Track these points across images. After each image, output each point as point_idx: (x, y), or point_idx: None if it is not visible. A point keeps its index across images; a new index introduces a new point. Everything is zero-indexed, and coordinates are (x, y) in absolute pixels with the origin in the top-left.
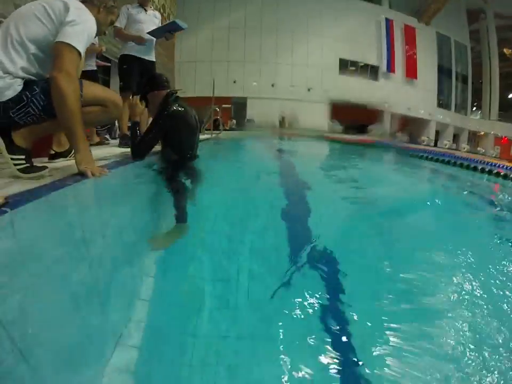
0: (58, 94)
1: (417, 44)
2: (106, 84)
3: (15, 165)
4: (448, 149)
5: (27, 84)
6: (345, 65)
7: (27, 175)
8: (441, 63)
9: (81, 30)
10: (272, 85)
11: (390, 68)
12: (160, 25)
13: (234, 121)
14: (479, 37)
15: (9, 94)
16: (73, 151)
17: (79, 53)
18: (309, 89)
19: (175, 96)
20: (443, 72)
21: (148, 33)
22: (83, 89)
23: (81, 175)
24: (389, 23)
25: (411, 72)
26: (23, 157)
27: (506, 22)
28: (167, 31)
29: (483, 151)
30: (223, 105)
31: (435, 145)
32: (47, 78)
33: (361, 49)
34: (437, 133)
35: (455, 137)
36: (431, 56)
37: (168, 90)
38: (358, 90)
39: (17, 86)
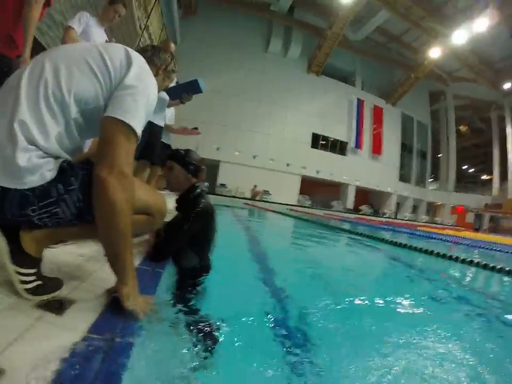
0: (106, 205)
1: (383, 122)
2: None
3: (22, 282)
4: (408, 220)
5: (62, 171)
6: (317, 140)
7: (38, 297)
8: (404, 141)
9: (144, 103)
10: (254, 157)
11: (358, 144)
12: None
13: (206, 183)
14: (439, 115)
15: (34, 181)
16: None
17: (137, 140)
18: (288, 164)
19: (201, 189)
20: (405, 148)
21: (164, 90)
22: None
23: (120, 304)
24: (359, 103)
25: (376, 148)
26: (33, 271)
27: (463, 101)
28: (185, 91)
29: (441, 220)
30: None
31: (395, 217)
32: (90, 165)
33: (333, 125)
34: (398, 204)
35: (415, 208)
36: (395, 134)
37: (196, 180)
38: (328, 164)
39: (48, 171)
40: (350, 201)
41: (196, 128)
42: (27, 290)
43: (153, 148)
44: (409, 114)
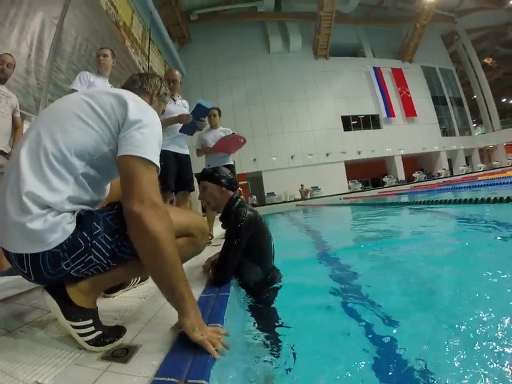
0: (147, 239)
1: (407, 82)
2: None
3: (82, 335)
4: (465, 175)
5: (81, 219)
6: (347, 122)
7: (101, 347)
8: (434, 94)
9: (152, 134)
10: (292, 157)
11: (390, 112)
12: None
13: (254, 197)
14: (459, 57)
15: (57, 238)
16: (137, 280)
17: (158, 170)
18: (327, 154)
19: (241, 200)
20: (438, 101)
21: (180, 131)
22: None
23: (189, 339)
24: (377, 71)
25: (409, 111)
26: (89, 322)
27: (477, 34)
28: (196, 119)
29: (498, 163)
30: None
31: (452, 174)
32: (110, 207)
33: (358, 102)
34: (449, 161)
35: (467, 159)
36: (423, 90)
37: (233, 193)
38: (366, 142)
39: (67, 224)
40: (400, 172)
41: (233, 133)
42: (88, 342)
43: (185, 176)
44: (430, 65)
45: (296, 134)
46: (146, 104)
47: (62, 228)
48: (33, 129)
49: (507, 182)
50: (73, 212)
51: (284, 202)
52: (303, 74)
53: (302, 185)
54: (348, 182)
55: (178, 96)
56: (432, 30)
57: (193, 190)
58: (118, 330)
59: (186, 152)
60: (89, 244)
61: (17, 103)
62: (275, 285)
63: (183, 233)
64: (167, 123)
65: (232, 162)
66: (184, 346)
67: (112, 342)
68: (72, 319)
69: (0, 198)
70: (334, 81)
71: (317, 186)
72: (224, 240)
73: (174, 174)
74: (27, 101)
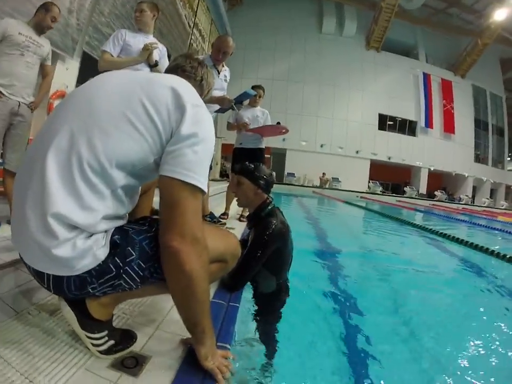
0: (182, 277)
1: (454, 97)
2: None
3: (95, 345)
4: (486, 207)
5: (116, 244)
6: (384, 121)
7: (112, 356)
8: (478, 116)
9: (206, 153)
10: (321, 146)
11: (428, 123)
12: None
13: (274, 173)
14: None
15: (86, 265)
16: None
17: (204, 194)
18: (357, 152)
19: (273, 206)
20: (479, 125)
21: (215, 111)
22: None
23: (201, 368)
24: (426, 77)
25: (448, 126)
26: (105, 333)
27: None
28: (236, 104)
29: None
30: None
31: (473, 202)
32: (148, 226)
33: (400, 104)
34: (474, 188)
35: (492, 193)
36: (468, 109)
37: (267, 196)
38: (397, 146)
39: (99, 250)
40: (423, 186)
41: (279, 123)
42: (101, 352)
43: None
44: (481, 86)
45: (331, 120)
46: (204, 109)
47: (93, 253)
48: (64, 122)
49: None
50: (106, 231)
51: (302, 186)
52: (351, 61)
53: (323, 173)
54: (369, 182)
55: (223, 66)
56: (492, 50)
57: (212, 168)
58: (129, 337)
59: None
60: (121, 270)
61: (48, 50)
62: (282, 298)
63: (217, 260)
64: (205, 100)
65: (263, 146)
66: (194, 367)
67: (123, 350)
68: (88, 331)
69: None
70: (380, 76)
71: (337, 178)
72: (248, 242)
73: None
74: (64, 41)
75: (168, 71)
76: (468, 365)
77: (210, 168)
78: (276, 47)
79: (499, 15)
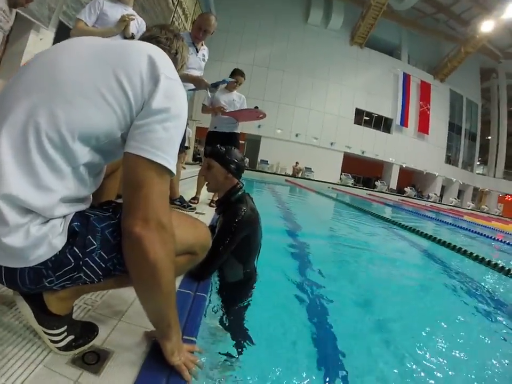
0: (145, 266)
1: (431, 99)
2: None
3: (53, 342)
4: (453, 207)
5: (75, 234)
6: (360, 115)
7: (73, 351)
8: (452, 120)
9: (178, 130)
10: (297, 135)
11: (404, 121)
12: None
13: (247, 159)
14: (489, 95)
15: (41, 255)
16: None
17: (172, 175)
18: (332, 143)
19: (243, 192)
20: (453, 129)
21: (189, 89)
22: None
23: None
24: (406, 78)
25: (423, 127)
26: (64, 329)
27: None
28: (212, 87)
29: (487, 208)
30: None
31: (440, 201)
32: (112, 211)
33: (377, 100)
34: (443, 188)
35: (460, 193)
36: (443, 112)
37: (238, 181)
38: (371, 141)
39: (56, 237)
40: (394, 181)
41: (257, 108)
42: (59, 348)
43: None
44: (459, 92)
45: (308, 111)
46: (179, 83)
47: (49, 242)
48: (24, 92)
49: (491, 237)
50: (65, 217)
51: (275, 173)
52: (333, 55)
53: (297, 162)
54: (341, 174)
55: (202, 45)
56: (474, 59)
57: (189, 148)
58: (90, 331)
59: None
60: (81, 262)
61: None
62: (250, 287)
63: (185, 251)
64: (181, 78)
65: (239, 131)
66: (159, 362)
67: (83, 345)
68: (45, 327)
69: None
70: (361, 71)
71: (310, 168)
72: (216, 229)
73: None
74: (41, 10)
75: (141, 41)
76: (429, 352)
77: (187, 147)
78: (259, 33)
79: (486, 27)
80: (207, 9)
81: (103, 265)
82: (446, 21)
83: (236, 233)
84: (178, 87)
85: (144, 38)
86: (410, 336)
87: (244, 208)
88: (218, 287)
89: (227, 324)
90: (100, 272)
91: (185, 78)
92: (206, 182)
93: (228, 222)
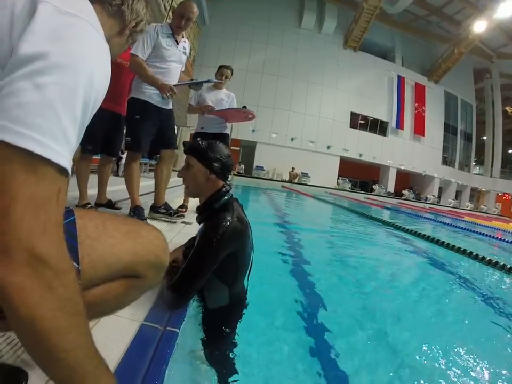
0: (18, 325)
1: (426, 101)
2: None
3: None
4: (452, 208)
5: None
6: (355, 119)
7: None
8: (448, 121)
9: (61, 90)
10: (292, 139)
11: (399, 124)
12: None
13: (242, 166)
14: (484, 95)
15: None
16: None
17: (67, 174)
18: (328, 147)
19: (230, 196)
20: (448, 130)
21: (174, 85)
22: (80, 255)
23: None
24: (400, 80)
25: (419, 129)
26: None
27: (510, 80)
28: (197, 84)
29: (486, 208)
30: (231, 148)
31: (438, 202)
32: None
33: (372, 104)
34: (440, 189)
35: (457, 194)
36: (438, 113)
37: (223, 183)
38: (367, 145)
39: None
40: (391, 185)
41: (245, 107)
42: None
43: (167, 134)
44: (453, 93)
45: (302, 115)
46: (85, 22)
47: None
48: None
49: (493, 236)
50: None
51: (271, 179)
52: (327, 59)
53: (293, 168)
54: (338, 178)
55: (183, 37)
56: (467, 60)
57: (177, 148)
58: (18, 379)
59: (170, 106)
60: None
61: None
62: (237, 313)
63: (120, 275)
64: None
65: (229, 132)
66: None
67: None
68: None
69: None
70: (355, 75)
71: (307, 173)
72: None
73: (153, 132)
74: None
75: None
76: (429, 352)
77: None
78: (253, 38)
79: (478, 27)
80: (200, 16)
81: None
82: (439, 23)
83: (218, 250)
84: (81, 26)
85: None
86: (410, 336)
87: (229, 218)
88: (198, 315)
89: (208, 363)
90: None
91: (152, 83)
92: (185, 185)
93: (208, 236)
